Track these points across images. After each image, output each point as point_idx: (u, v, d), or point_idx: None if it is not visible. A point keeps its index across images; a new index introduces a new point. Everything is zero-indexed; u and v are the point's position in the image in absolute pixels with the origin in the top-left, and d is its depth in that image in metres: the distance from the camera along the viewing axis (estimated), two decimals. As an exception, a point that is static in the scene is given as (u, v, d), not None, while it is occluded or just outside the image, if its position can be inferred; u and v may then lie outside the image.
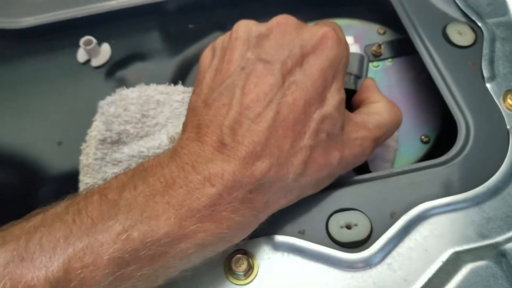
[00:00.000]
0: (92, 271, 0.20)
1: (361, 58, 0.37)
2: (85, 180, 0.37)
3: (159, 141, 0.37)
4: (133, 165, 0.34)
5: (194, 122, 0.26)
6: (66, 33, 0.42)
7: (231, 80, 0.26)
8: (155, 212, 0.22)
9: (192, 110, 0.27)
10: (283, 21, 0.29)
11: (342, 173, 0.29)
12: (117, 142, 0.38)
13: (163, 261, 0.22)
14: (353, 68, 0.36)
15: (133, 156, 0.37)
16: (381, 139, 0.31)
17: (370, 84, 0.34)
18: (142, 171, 0.24)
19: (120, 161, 0.37)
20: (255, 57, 0.27)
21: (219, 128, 0.24)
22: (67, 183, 0.37)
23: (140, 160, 0.35)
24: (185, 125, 0.27)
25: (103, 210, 0.22)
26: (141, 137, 0.38)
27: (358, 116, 0.30)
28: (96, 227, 0.21)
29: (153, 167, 0.24)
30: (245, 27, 0.29)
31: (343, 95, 0.28)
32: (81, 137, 0.38)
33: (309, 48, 0.27)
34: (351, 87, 0.36)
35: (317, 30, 0.28)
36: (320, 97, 0.26)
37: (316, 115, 0.26)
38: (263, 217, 0.26)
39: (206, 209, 0.22)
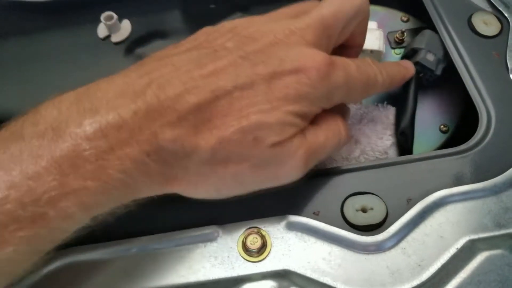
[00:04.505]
0: None
1: (433, 35, 0.36)
2: None
3: None
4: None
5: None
6: (88, 8, 0.43)
7: (196, 52, 0.25)
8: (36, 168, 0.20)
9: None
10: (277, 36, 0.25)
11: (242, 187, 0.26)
12: None
13: (43, 222, 0.20)
14: (433, 46, 0.35)
15: None
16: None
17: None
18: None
19: None
20: (233, 46, 0.25)
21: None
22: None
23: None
24: None
25: None
26: None
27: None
28: None
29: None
30: (245, 23, 0.27)
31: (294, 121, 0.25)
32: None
33: (288, 68, 0.24)
34: (432, 67, 0.35)
35: (306, 55, 0.25)
36: (268, 102, 0.24)
37: (254, 117, 0.23)
38: (157, 188, 0.24)
39: (91, 164, 0.21)
